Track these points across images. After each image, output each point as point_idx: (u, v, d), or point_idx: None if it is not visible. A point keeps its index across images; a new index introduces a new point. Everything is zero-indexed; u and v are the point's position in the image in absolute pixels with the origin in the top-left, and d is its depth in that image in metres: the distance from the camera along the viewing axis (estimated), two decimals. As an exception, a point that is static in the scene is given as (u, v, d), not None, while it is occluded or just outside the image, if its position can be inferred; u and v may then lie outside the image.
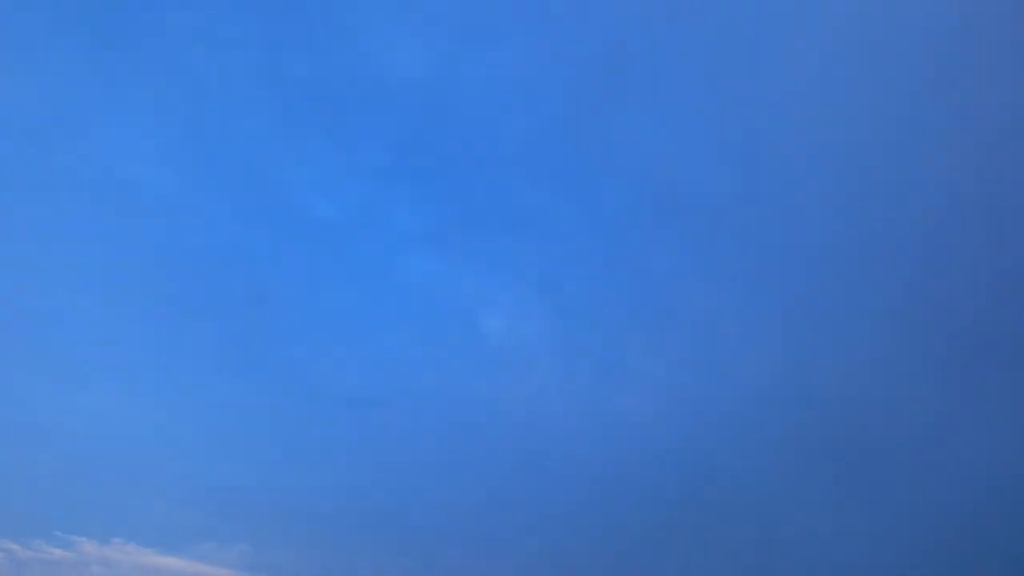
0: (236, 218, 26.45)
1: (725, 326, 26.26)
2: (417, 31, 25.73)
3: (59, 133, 25.05)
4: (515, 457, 26.60)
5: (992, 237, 25.10)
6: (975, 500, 24.72)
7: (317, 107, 26.36)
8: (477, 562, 25.34)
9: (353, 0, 25.66)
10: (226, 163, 26.30)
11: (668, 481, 26.22)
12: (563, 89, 26.00)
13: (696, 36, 24.82)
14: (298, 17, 25.79)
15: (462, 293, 27.24)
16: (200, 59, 25.46)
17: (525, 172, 26.73)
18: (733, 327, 26.25)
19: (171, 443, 25.62)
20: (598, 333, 26.97)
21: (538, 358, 27.22)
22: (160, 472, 25.16)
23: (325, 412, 26.42)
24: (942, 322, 25.48)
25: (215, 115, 26.02)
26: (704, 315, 26.39)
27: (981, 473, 24.59)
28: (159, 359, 26.03)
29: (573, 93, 26.04)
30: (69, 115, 25.13)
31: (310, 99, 26.29)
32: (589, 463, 26.51)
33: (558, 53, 25.44)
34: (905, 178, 25.15)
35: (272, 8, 25.62)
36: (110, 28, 24.93)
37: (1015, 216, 24.68)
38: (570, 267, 26.99)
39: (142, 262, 25.84)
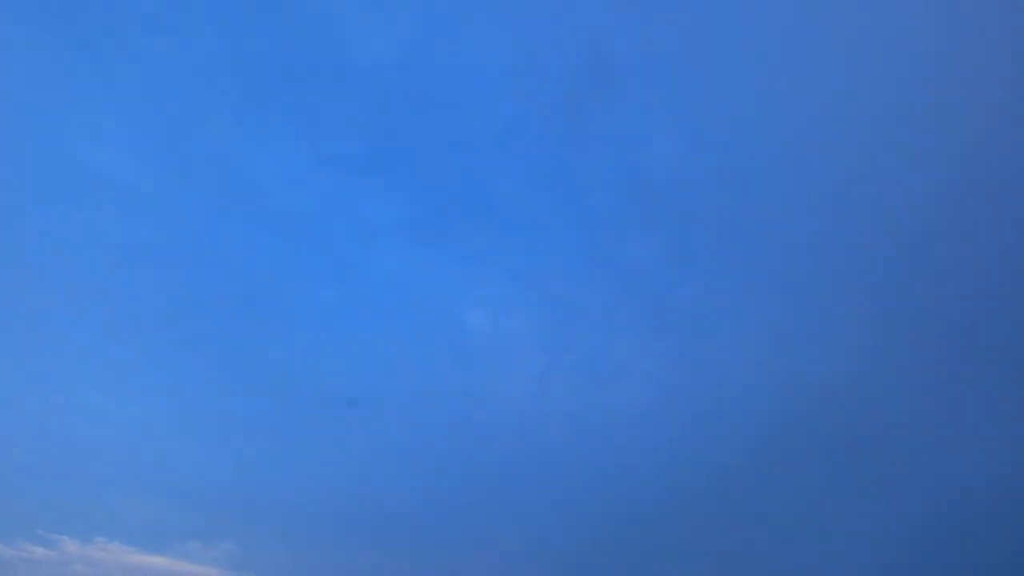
0: (205, 210, 25.63)
1: (712, 321, 25.70)
2: (390, 13, 24.19)
3: (18, 122, 24.13)
4: (500, 454, 26.44)
5: (981, 232, 24.28)
6: (964, 496, 24.63)
7: (284, 93, 25.09)
8: (462, 558, 25.43)
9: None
10: (191, 152, 25.27)
11: (655, 476, 26.11)
12: (544, 74, 24.68)
13: (680, 29, 23.41)
14: (263, -2, 24.27)
15: (443, 287, 26.60)
16: (161, 45, 24.15)
17: (505, 162, 25.64)
18: (720, 322, 25.73)
19: (152, 442, 25.54)
20: (583, 328, 26.45)
21: (522, 354, 26.78)
22: (142, 471, 25.16)
23: (307, 410, 26.19)
24: (929, 318, 24.92)
25: (177, 102, 24.86)
26: (690, 310, 25.82)
27: (969, 470, 24.41)
28: (141, 358, 25.76)
29: (555, 78, 24.71)
30: (28, 104, 24.13)
31: (277, 84, 25.00)
32: (575, 458, 26.36)
33: (538, 38, 24.04)
34: (893, 173, 24.23)
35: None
36: (67, 15, 23.64)
37: (1004, 212, 23.74)
38: (554, 260, 26.26)
39: (108, 256, 25.19)
